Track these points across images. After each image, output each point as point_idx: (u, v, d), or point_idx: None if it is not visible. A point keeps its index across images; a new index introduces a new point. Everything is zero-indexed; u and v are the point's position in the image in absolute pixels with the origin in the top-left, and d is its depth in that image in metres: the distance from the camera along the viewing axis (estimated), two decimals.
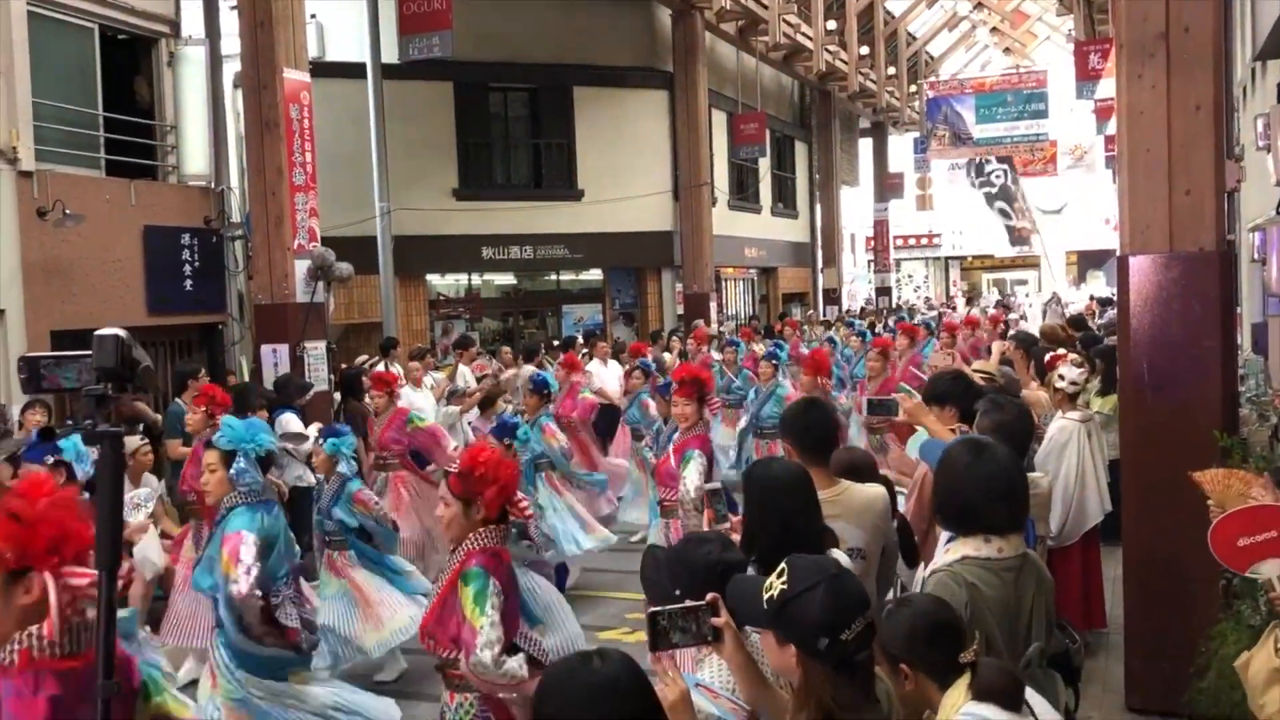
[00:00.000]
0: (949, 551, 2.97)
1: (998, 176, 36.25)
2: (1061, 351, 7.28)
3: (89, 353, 2.04)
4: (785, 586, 2.23)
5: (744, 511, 3.33)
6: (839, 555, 3.11)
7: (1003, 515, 2.92)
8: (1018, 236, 37.62)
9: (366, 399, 9.38)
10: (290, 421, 8.62)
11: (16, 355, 10.11)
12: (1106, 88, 20.25)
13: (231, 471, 4.57)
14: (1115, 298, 8.35)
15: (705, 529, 4.12)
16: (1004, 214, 37.32)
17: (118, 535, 1.95)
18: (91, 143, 11.67)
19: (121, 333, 2.00)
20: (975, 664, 2.44)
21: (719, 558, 2.70)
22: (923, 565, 3.57)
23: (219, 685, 4.54)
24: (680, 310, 19.92)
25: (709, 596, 2.45)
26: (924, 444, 4.12)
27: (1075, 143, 33.29)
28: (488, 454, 3.70)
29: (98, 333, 2.00)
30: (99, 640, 1.86)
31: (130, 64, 12.51)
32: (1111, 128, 24.33)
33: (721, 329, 19.43)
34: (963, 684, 2.43)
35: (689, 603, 2.44)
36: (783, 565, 2.29)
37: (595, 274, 20.26)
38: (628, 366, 11.36)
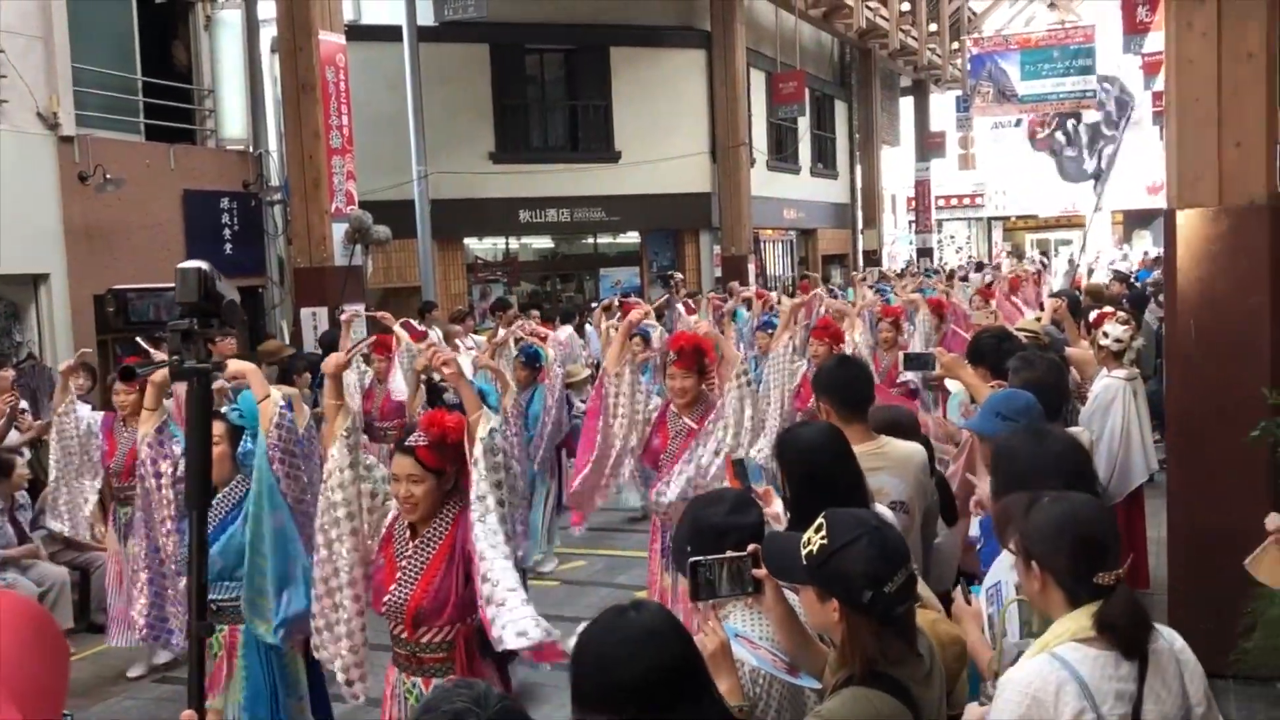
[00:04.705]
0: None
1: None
2: (1108, 309, 7.17)
3: (173, 285, 1.96)
4: (825, 541, 2.19)
5: (782, 482, 3.19)
6: (881, 509, 3.05)
7: None
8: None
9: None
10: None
11: (60, 319, 10.25)
12: (1154, 41, 19.80)
13: (239, 452, 4.16)
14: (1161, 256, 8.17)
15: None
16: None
17: (207, 474, 1.90)
18: (130, 107, 11.73)
19: (204, 265, 1.91)
20: (1112, 590, 2.22)
21: (723, 521, 2.61)
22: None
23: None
24: (718, 273, 19.78)
25: (750, 547, 2.42)
26: (976, 418, 4.05)
27: None
28: (451, 417, 3.39)
29: (180, 265, 1.92)
30: (191, 580, 1.83)
31: (167, 28, 12.55)
32: (1159, 83, 23.80)
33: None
34: (1087, 612, 2.22)
35: (730, 553, 2.41)
36: (820, 520, 2.25)
37: (633, 236, 20.18)
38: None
